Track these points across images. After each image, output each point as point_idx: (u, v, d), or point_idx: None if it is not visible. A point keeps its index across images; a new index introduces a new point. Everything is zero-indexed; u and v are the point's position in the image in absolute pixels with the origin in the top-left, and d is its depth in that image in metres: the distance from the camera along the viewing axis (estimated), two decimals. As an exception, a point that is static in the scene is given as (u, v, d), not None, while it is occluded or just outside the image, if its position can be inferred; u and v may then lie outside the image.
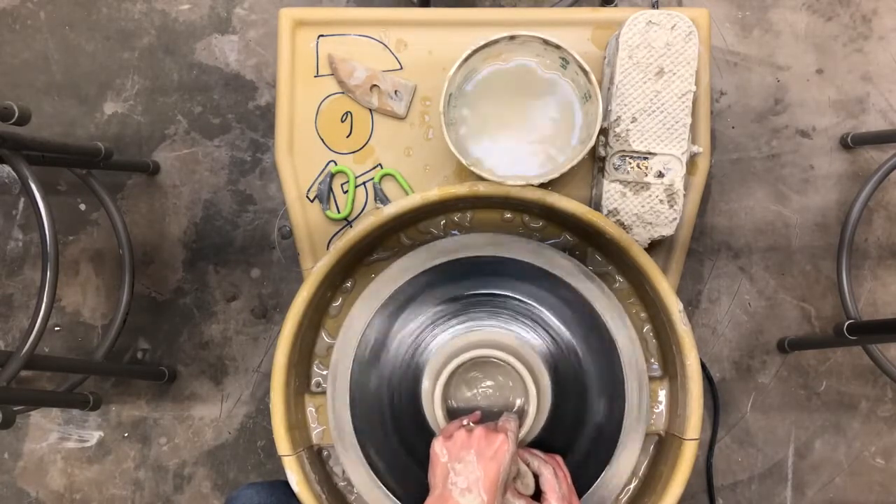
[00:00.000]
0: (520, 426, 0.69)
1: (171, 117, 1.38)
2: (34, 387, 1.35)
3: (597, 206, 0.78)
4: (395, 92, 0.82)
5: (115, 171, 1.35)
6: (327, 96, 0.83)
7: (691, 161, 0.79)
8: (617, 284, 0.77)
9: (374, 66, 0.82)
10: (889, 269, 1.33)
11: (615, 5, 1.36)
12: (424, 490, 0.64)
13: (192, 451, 1.34)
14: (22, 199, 1.38)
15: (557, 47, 0.72)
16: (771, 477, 1.31)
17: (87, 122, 1.38)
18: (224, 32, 1.40)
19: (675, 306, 0.69)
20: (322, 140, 0.83)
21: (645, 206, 0.76)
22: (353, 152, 0.83)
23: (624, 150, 0.76)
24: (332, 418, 0.76)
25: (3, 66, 1.39)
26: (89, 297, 1.36)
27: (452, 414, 0.74)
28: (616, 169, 0.76)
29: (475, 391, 0.75)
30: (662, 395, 0.75)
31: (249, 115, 1.38)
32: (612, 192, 0.76)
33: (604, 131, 0.77)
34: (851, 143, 1.32)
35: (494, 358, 0.71)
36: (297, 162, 0.83)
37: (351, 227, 0.83)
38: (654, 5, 1.34)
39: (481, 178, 0.72)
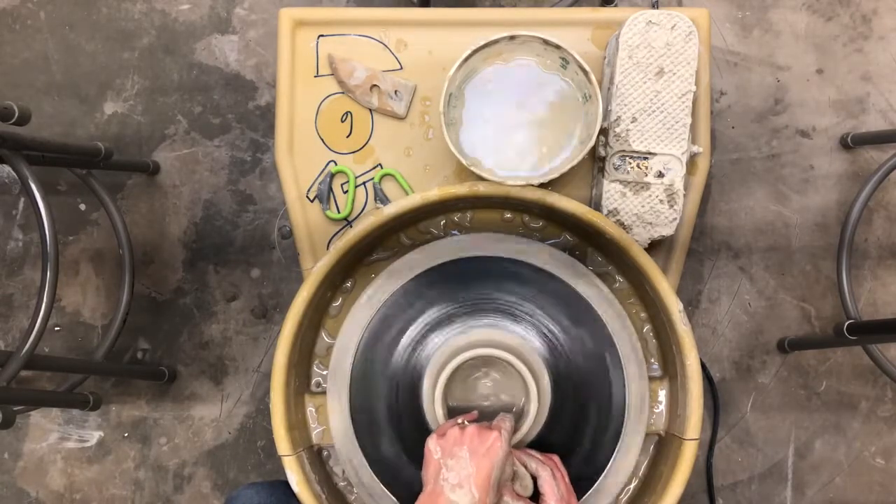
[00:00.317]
0: (515, 425, 0.68)
1: (171, 117, 1.38)
2: (34, 387, 1.35)
3: (597, 206, 0.78)
4: (395, 92, 0.82)
5: (115, 171, 1.35)
6: (327, 96, 0.83)
7: (691, 161, 0.79)
8: (617, 284, 0.77)
9: (374, 66, 0.82)
10: (889, 269, 1.33)
11: (615, 5, 1.36)
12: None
13: (192, 451, 1.34)
14: (22, 199, 1.38)
15: (557, 47, 0.72)
16: (771, 477, 1.31)
17: (87, 122, 1.38)
18: (224, 32, 1.40)
19: (675, 306, 0.69)
20: (322, 140, 0.83)
21: (645, 206, 0.76)
22: (353, 152, 0.83)
23: (624, 150, 0.76)
24: (332, 418, 0.76)
25: (3, 66, 1.39)
26: (89, 297, 1.36)
27: (453, 413, 0.74)
28: (616, 169, 0.76)
29: (475, 391, 0.75)
30: (662, 395, 0.75)
31: (249, 115, 1.38)
32: (612, 192, 0.76)
33: (604, 131, 0.77)
34: (851, 143, 1.32)
35: (495, 357, 0.71)
36: (297, 162, 0.83)
37: (351, 227, 0.83)
38: (654, 5, 1.34)
39: (481, 178, 0.72)
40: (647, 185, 0.75)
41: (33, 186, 1.00)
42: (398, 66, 0.83)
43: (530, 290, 0.76)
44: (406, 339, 0.77)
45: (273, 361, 0.71)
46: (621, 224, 0.76)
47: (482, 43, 0.72)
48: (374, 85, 0.82)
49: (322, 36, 0.83)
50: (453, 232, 0.79)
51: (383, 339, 0.77)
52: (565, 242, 0.78)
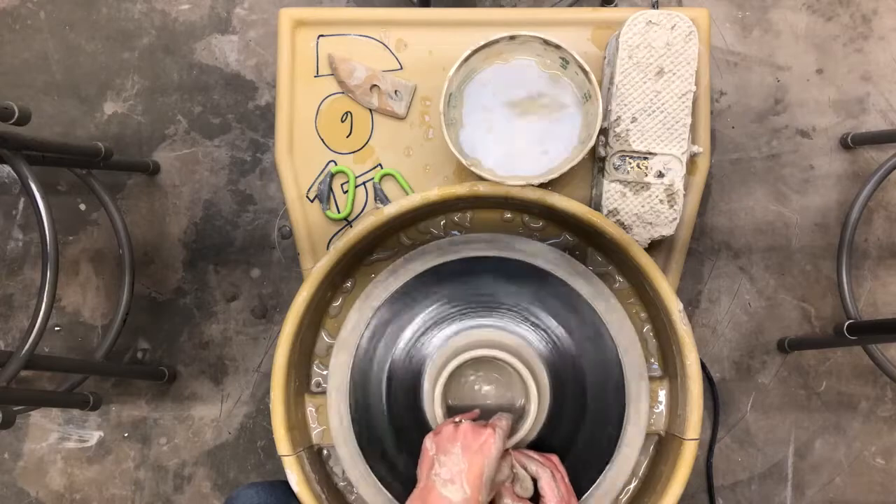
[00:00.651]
0: (515, 426, 0.68)
1: (171, 117, 1.38)
2: (34, 387, 1.35)
3: (597, 206, 0.78)
4: (395, 92, 0.82)
5: (115, 171, 1.35)
6: (327, 96, 0.83)
7: (691, 161, 0.79)
8: (617, 284, 0.77)
9: (374, 66, 0.82)
10: (889, 269, 1.33)
11: (615, 5, 1.36)
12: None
13: (192, 451, 1.34)
14: (22, 199, 1.38)
15: (557, 47, 0.72)
16: (771, 477, 1.31)
17: (87, 122, 1.38)
18: (224, 32, 1.40)
19: (675, 306, 0.69)
20: (322, 140, 0.83)
21: (645, 206, 0.76)
22: (353, 152, 0.83)
23: (624, 150, 0.76)
24: (332, 418, 0.76)
25: (3, 66, 1.39)
26: (89, 297, 1.36)
27: (452, 413, 0.73)
28: (616, 169, 0.76)
29: (475, 391, 0.75)
30: (662, 395, 0.75)
31: (249, 115, 1.38)
32: (612, 192, 0.76)
33: (604, 131, 0.77)
34: (851, 143, 1.32)
35: (495, 358, 0.71)
36: (297, 162, 0.83)
37: (351, 227, 0.83)
38: (654, 5, 1.34)
39: (481, 178, 0.72)
40: (647, 185, 0.75)
41: (33, 186, 1.00)
42: (398, 66, 0.83)
43: (530, 290, 0.76)
44: (406, 339, 0.77)
45: (273, 361, 0.71)
46: (621, 224, 0.76)
47: (482, 43, 0.72)
48: (374, 85, 0.82)
49: (322, 36, 0.83)
50: (453, 232, 0.79)
51: (383, 339, 0.77)
52: (565, 242, 0.78)
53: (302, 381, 0.76)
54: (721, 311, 1.33)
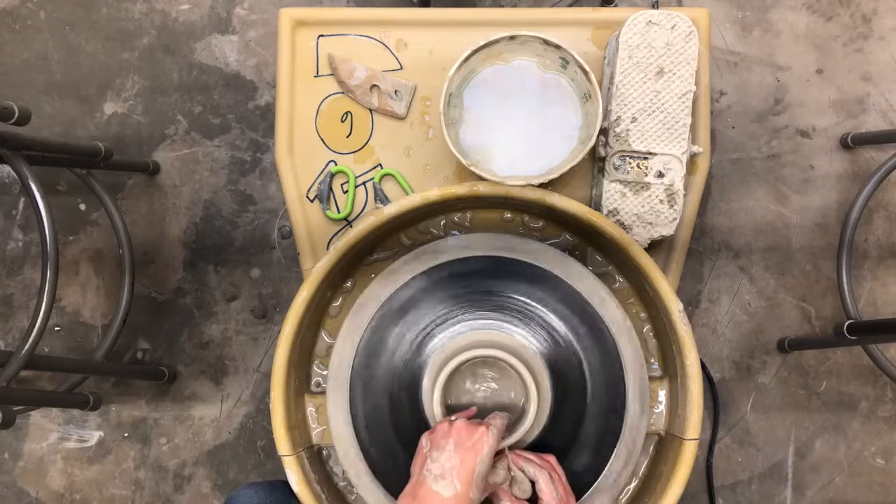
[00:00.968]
0: (515, 426, 0.68)
1: (171, 117, 1.38)
2: (34, 387, 1.35)
3: (597, 206, 0.78)
4: (395, 92, 0.82)
5: (115, 171, 1.35)
6: (327, 96, 0.83)
7: (691, 161, 0.79)
8: (617, 284, 0.77)
9: (374, 66, 0.82)
10: (889, 269, 1.33)
11: (615, 5, 1.36)
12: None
13: (192, 451, 1.34)
14: (22, 199, 1.38)
15: (557, 47, 0.72)
16: (771, 477, 1.31)
17: (87, 122, 1.38)
18: (224, 32, 1.40)
19: (675, 306, 0.69)
20: (322, 140, 0.83)
21: (645, 206, 0.76)
22: (353, 152, 0.83)
23: (624, 150, 0.76)
24: (332, 418, 0.76)
25: (3, 66, 1.39)
26: (89, 297, 1.36)
27: (452, 412, 0.73)
28: (616, 169, 0.76)
29: (475, 391, 0.75)
30: (662, 395, 0.75)
31: (249, 115, 1.38)
32: (612, 192, 0.76)
33: (604, 131, 0.77)
34: (851, 143, 1.32)
35: (495, 358, 0.71)
36: (297, 162, 0.83)
37: (351, 227, 0.83)
38: (654, 5, 1.34)
39: (481, 178, 0.72)
40: (647, 185, 0.75)
41: (33, 186, 1.00)
42: (398, 66, 0.83)
43: (530, 290, 0.76)
44: (406, 339, 0.77)
45: (273, 361, 0.71)
46: (621, 224, 0.76)
47: (482, 43, 0.72)
48: (374, 85, 0.82)
49: (322, 36, 0.83)
50: (453, 232, 0.79)
51: (383, 339, 0.77)
52: (565, 242, 0.78)
53: (302, 381, 0.76)
54: (721, 311, 1.33)
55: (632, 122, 0.75)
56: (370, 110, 0.83)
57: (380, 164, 0.83)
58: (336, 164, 0.83)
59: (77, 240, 1.37)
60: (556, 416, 0.74)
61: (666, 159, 0.75)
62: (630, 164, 0.76)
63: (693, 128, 0.79)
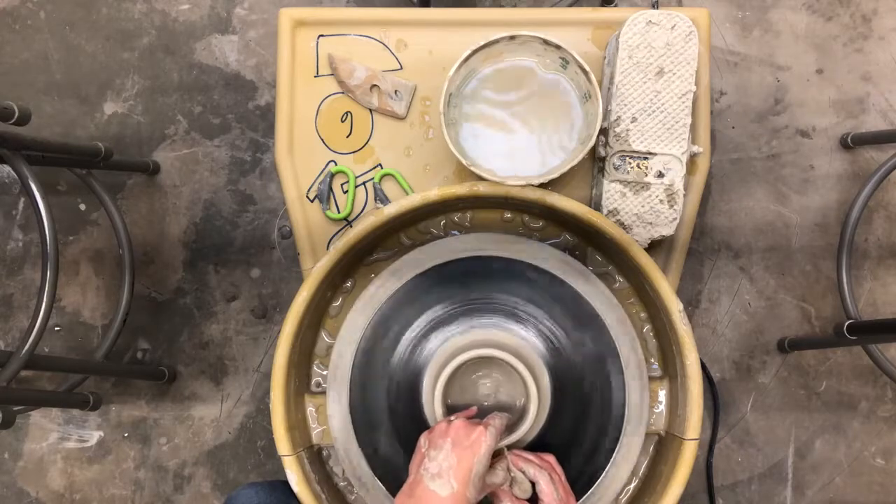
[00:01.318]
0: (507, 424, 0.68)
1: (171, 117, 1.38)
2: (34, 387, 1.35)
3: (597, 206, 0.78)
4: (395, 92, 0.82)
5: (115, 171, 1.35)
6: (327, 96, 0.83)
7: (691, 161, 0.79)
8: (617, 284, 0.77)
9: (374, 66, 0.82)
10: (889, 269, 1.33)
11: (615, 5, 1.36)
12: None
13: (192, 451, 1.34)
14: (22, 199, 1.38)
15: (557, 47, 0.72)
16: (771, 477, 1.31)
17: (87, 122, 1.38)
18: (224, 32, 1.40)
19: (675, 306, 0.69)
20: (322, 140, 0.83)
21: (645, 206, 0.76)
22: (353, 152, 0.83)
23: (624, 150, 0.76)
24: (332, 418, 0.76)
25: (3, 66, 1.39)
26: (89, 297, 1.36)
27: (452, 412, 0.73)
28: (616, 169, 0.76)
29: (476, 391, 0.75)
30: (662, 395, 0.75)
31: (249, 115, 1.38)
32: (612, 192, 0.76)
33: (604, 131, 0.77)
34: (851, 143, 1.32)
35: (495, 358, 0.71)
36: (297, 162, 0.83)
37: (351, 227, 0.83)
38: (654, 5, 1.34)
39: (481, 178, 0.72)
40: (647, 185, 0.75)
41: (33, 186, 1.00)
42: (398, 66, 0.83)
43: (530, 290, 0.76)
44: (406, 339, 0.77)
45: (273, 361, 0.71)
46: (621, 224, 0.76)
47: (482, 43, 0.72)
48: (374, 85, 0.82)
49: (322, 36, 0.83)
50: (453, 232, 0.79)
51: (383, 339, 0.77)
52: (565, 242, 0.78)
53: (302, 381, 0.76)
54: (721, 311, 1.33)
55: (632, 122, 0.75)
56: (370, 110, 0.83)
57: (380, 164, 0.83)
58: (336, 164, 0.83)
59: (77, 240, 1.37)
60: (556, 415, 0.74)
61: (666, 159, 0.75)
62: (630, 164, 0.76)
63: (693, 128, 0.79)
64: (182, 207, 1.37)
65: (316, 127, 0.83)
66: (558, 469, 0.68)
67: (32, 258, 1.37)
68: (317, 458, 0.75)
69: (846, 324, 1.16)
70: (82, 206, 1.37)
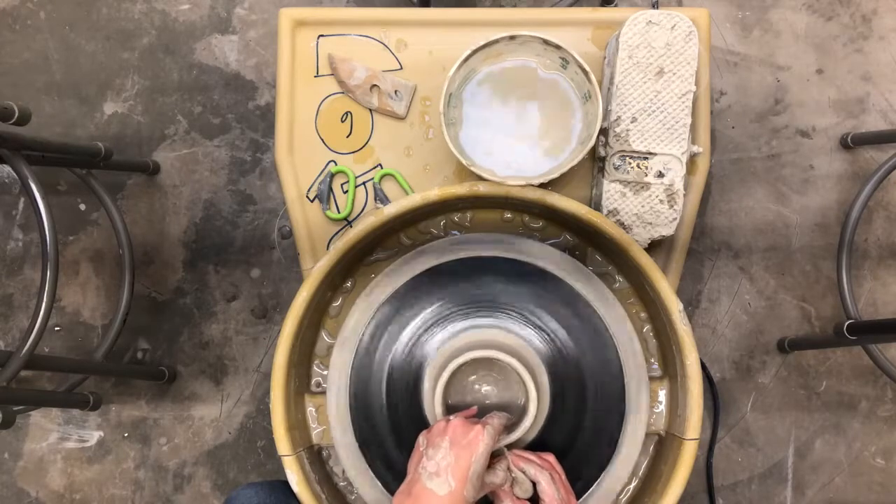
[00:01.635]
0: (507, 424, 0.68)
1: (171, 117, 1.38)
2: (34, 387, 1.35)
3: (597, 206, 0.78)
4: (395, 92, 0.82)
5: (115, 171, 1.35)
6: (327, 96, 0.83)
7: (691, 161, 0.79)
8: (617, 284, 0.77)
9: (374, 66, 0.82)
10: (889, 269, 1.33)
11: (615, 5, 1.36)
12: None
13: (192, 451, 1.34)
14: (22, 199, 1.38)
15: (557, 47, 0.72)
16: (771, 477, 1.31)
17: (87, 122, 1.38)
18: (224, 32, 1.40)
19: (675, 306, 0.69)
20: (322, 140, 0.83)
21: (645, 206, 0.76)
22: (353, 152, 0.83)
23: (624, 150, 0.76)
24: (332, 418, 0.76)
25: (3, 66, 1.39)
26: (89, 297, 1.36)
27: (452, 412, 0.73)
28: (616, 169, 0.76)
29: (475, 391, 0.75)
30: (662, 395, 0.75)
31: (249, 115, 1.38)
32: (612, 192, 0.76)
33: (604, 131, 0.77)
34: (851, 143, 1.32)
35: (494, 358, 0.71)
36: (297, 162, 0.83)
37: (351, 227, 0.83)
38: (654, 5, 1.34)
39: (481, 178, 0.72)
40: (647, 185, 0.75)
41: (33, 186, 1.00)
42: (398, 66, 0.83)
43: (530, 290, 0.76)
44: (406, 340, 0.77)
45: (273, 361, 0.71)
46: (621, 224, 0.76)
47: (482, 43, 0.72)
48: (374, 85, 0.82)
49: (322, 36, 0.83)
50: (453, 232, 0.79)
51: (383, 339, 0.77)
52: (565, 242, 0.78)
53: (302, 381, 0.76)
54: (721, 311, 1.33)
55: (632, 122, 0.75)
56: (370, 110, 0.83)
57: (380, 164, 0.83)
58: (336, 164, 0.83)
59: (77, 240, 1.37)
60: (556, 415, 0.74)
61: (666, 159, 0.75)
62: (630, 164, 0.76)
63: (693, 128, 0.79)
64: (182, 207, 1.37)
65: (316, 127, 0.83)
66: (559, 468, 0.68)
67: (32, 258, 1.37)
68: (317, 458, 0.75)
69: (846, 324, 1.16)
70: (82, 206, 1.37)
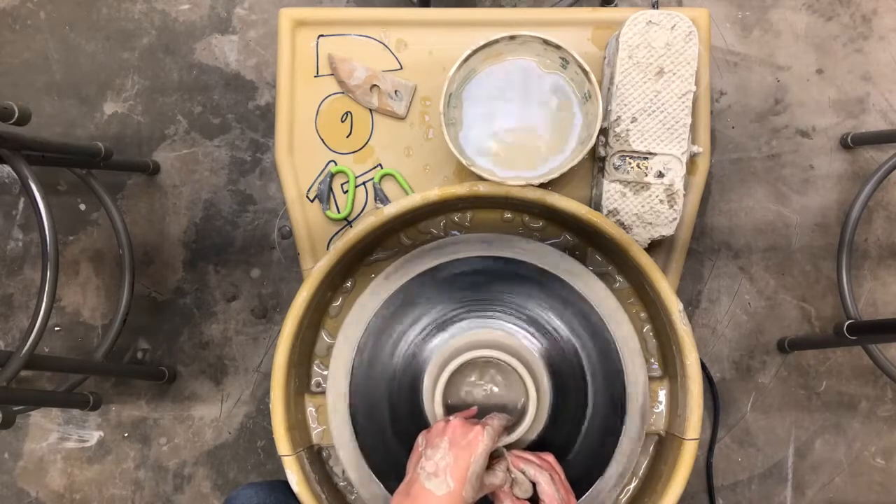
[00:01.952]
0: (507, 425, 0.68)
1: (171, 117, 1.38)
2: (34, 387, 1.35)
3: (597, 206, 0.78)
4: (395, 92, 0.82)
5: (115, 171, 1.35)
6: (327, 96, 0.83)
7: (691, 161, 0.79)
8: (617, 284, 0.77)
9: (374, 66, 0.82)
10: (889, 269, 1.33)
11: (615, 5, 1.36)
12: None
13: (192, 451, 1.34)
14: (22, 199, 1.38)
15: (557, 47, 0.72)
16: (771, 477, 1.31)
17: (87, 122, 1.38)
18: (224, 32, 1.40)
19: (675, 306, 0.69)
20: (322, 140, 0.83)
21: (645, 206, 0.76)
22: (353, 152, 0.83)
23: (624, 150, 0.76)
24: (332, 418, 0.76)
25: (3, 66, 1.39)
26: (89, 297, 1.36)
27: (452, 412, 0.73)
28: (616, 169, 0.76)
29: (475, 391, 0.75)
30: (662, 395, 0.75)
31: (249, 115, 1.38)
32: (612, 192, 0.76)
33: (604, 131, 0.77)
34: (851, 143, 1.32)
35: (494, 359, 0.71)
36: (297, 162, 0.83)
37: (351, 227, 0.83)
38: (654, 5, 1.34)
39: (481, 178, 0.72)
40: (647, 185, 0.75)
41: (33, 186, 1.00)
42: (398, 66, 0.83)
43: (530, 290, 0.76)
44: (406, 340, 0.77)
45: (273, 361, 0.71)
46: (621, 224, 0.76)
47: (482, 43, 0.72)
48: (374, 85, 0.82)
49: (322, 36, 0.83)
50: (453, 232, 0.79)
51: (383, 339, 0.77)
52: (565, 242, 0.78)
53: (302, 381, 0.76)
54: (721, 311, 1.33)
55: (632, 122, 0.75)
56: (370, 110, 0.83)
57: (380, 164, 0.83)
58: (336, 164, 0.83)
59: (77, 240, 1.37)
60: (556, 415, 0.74)
61: (666, 159, 0.75)
62: (630, 164, 0.76)
63: (693, 128, 0.79)
64: (182, 207, 1.37)
65: (316, 127, 0.83)
66: (558, 468, 0.68)
67: (32, 258, 1.37)
68: (317, 458, 0.75)
69: (846, 324, 1.16)
70: (82, 206, 1.37)
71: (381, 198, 0.82)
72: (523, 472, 0.66)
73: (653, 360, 0.76)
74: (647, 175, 0.75)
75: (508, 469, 0.66)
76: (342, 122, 0.83)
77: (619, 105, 0.75)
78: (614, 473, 0.74)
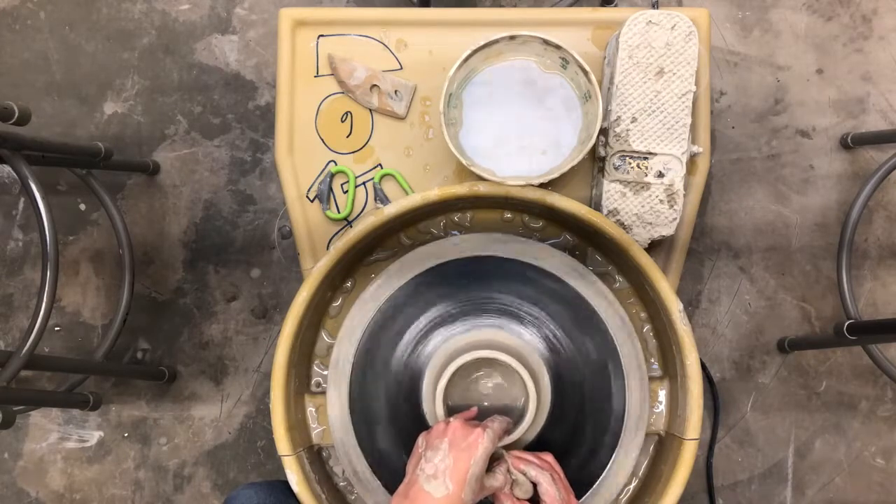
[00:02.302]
0: (507, 428, 0.68)
1: (171, 117, 1.38)
2: (34, 387, 1.35)
3: (597, 206, 0.78)
4: (395, 92, 0.82)
5: (115, 171, 1.35)
6: (327, 96, 0.83)
7: (691, 161, 0.79)
8: (617, 284, 0.77)
9: (374, 66, 0.82)
10: (889, 269, 1.33)
11: (615, 5, 1.36)
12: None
13: (192, 451, 1.34)
14: (22, 199, 1.38)
15: (557, 47, 0.72)
16: (771, 477, 1.31)
17: (87, 122, 1.38)
18: (224, 32, 1.40)
19: (675, 306, 0.69)
20: (322, 140, 0.83)
21: (645, 206, 0.76)
22: (353, 152, 0.83)
23: (624, 150, 0.76)
24: (332, 418, 0.76)
25: (3, 66, 1.39)
26: (89, 297, 1.36)
27: (452, 412, 0.73)
28: (616, 169, 0.76)
29: (476, 391, 0.75)
30: (662, 395, 0.75)
31: (249, 115, 1.38)
32: (612, 192, 0.76)
33: (604, 131, 0.77)
34: (851, 143, 1.32)
35: (495, 359, 0.71)
36: (297, 162, 0.83)
37: (351, 227, 0.83)
38: (654, 5, 1.34)
39: (481, 178, 0.72)
40: (647, 185, 0.75)
41: (33, 186, 1.00)
42: (398, 66, 0.83)
43: (530, 290, 0.76)
44: (406, 340, 0.77)
45: (273, 361, 0.71)
46: (621, 224, 0.76)
47: (482, 43, 0.72)
48: (374, 85, 0.82)
49: (322, 36, 0.83)
50: (453, 232, 0.79)
51: (383, 340, 0.77)
52: (565, 242, 0.78)
53: (302, 381, 0.76)
54: (721, 311, 1.33)
55: (632, 122, 0.75)
56: (370, 110, 0.83)
57: (380, 164, 0.83)
58: (336, 164, 0.83)
59: (77, 240, 1.37)
60: (556, 415, 0.74)
61: (666, 159, 0.75)
62: (630, 164, 0.76)
63: (693, 128, 0.79)
64: (182, 207, 1.37)
65: (316, 127, 0.83)
66: (558, 468, 0.68)
67: (32, 258, 1.37)
68: (317, 458, 0.76)
69: (846, 324, 1.16)
70: (82, 206, 1.37)
71: (381, 198, 0.82)
72: (524, 473, 0.66)
73: (653, 360, 0.76)
74: (647, 175, 0.75)
75: (509, 471, 0.66)
76: (342, 122, 0.83)
77: (619, 105, 0.75)
78: (614, 473, 0.74)
